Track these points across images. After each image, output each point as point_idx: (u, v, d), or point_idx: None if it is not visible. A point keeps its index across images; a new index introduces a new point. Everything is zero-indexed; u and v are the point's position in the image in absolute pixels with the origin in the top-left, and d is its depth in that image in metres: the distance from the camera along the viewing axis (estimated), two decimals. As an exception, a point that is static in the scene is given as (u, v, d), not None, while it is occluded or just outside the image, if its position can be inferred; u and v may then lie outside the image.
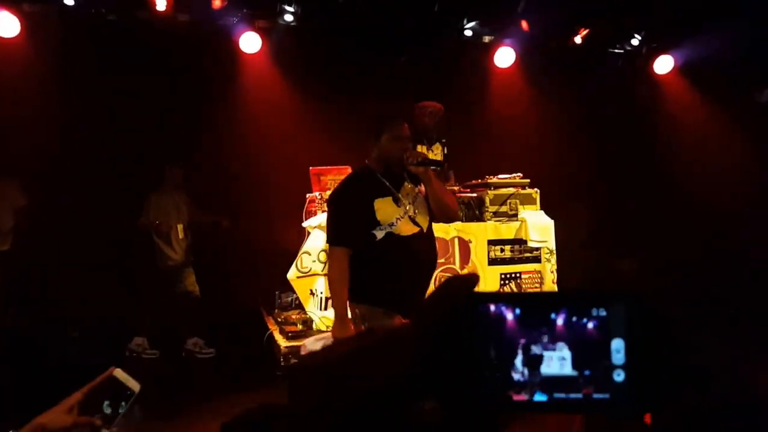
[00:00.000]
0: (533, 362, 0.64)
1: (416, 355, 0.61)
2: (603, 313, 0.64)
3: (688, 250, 6.42)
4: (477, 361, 0.63)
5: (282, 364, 4.49)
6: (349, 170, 5.24)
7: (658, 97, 7.24)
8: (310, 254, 4.87)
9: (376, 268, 3.14)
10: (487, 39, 6.55)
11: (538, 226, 5.44)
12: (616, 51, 6.93)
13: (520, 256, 5.38)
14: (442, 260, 5.13)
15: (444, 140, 5.38)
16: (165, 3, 5.65)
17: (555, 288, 5.31)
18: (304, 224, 4.98)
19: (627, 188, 7.03)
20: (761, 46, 6.27)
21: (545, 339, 0.64)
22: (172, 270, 5.72)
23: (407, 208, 3.18)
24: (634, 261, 6.51)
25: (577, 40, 6.61)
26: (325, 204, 4.77)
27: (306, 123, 6.01)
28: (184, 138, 6.09)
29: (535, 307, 0.64)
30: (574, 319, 0.64)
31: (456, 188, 5.48)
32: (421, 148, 5.45)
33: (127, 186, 5.83)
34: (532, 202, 5.60)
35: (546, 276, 5.35)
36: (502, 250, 5.35)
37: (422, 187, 3.23)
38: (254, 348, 5.30)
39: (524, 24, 6.38)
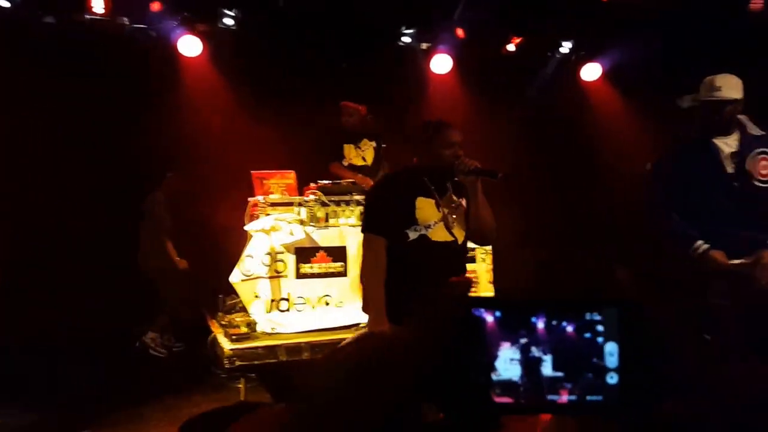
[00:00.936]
0: (531, 364, 0.66)
1: (419, 361, 0.63)
2: (596, 317, 0.67)
3: (612, 246, 6.67)
4: (466, 364, 0.65)
5: (227, 366, 4.43)
6: (293, 174, 5.28)
7: (587, 103, 7.48)
8: (253, 258, 4.83)
9: (399, 271, 2.92)
10: (424, 46, 6.64)
11: (475, 228, 5.55)
12: (548, 58, 7.12)
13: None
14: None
15: (376, 139, 5.60)
16: (103, 6, 5.50)
17: (491, 287, 5.42)
18: (247, 228, 4.94)
19: (558, 190, 7.24)
20: (682, 54, 6.57)
21: (525, 342, 0.66)
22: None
23: (446, 214, 3.00)
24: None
25: (511, 47, 6.77)
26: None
27: (248, 127, 5.95)
28: (123, 142, 5.96)
29: (515, 311, 0.67)
30: (554, 322, 0.67)
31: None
32: (347, 147, 5.55)
33: (67, 191, 5.68)
34: (468, 204, 5.73)
35: (482, 276, 5.43)
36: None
37: (464, 201, 3.06)
38: (198, 351, 5.24)
39: (460, 32, 6.50)
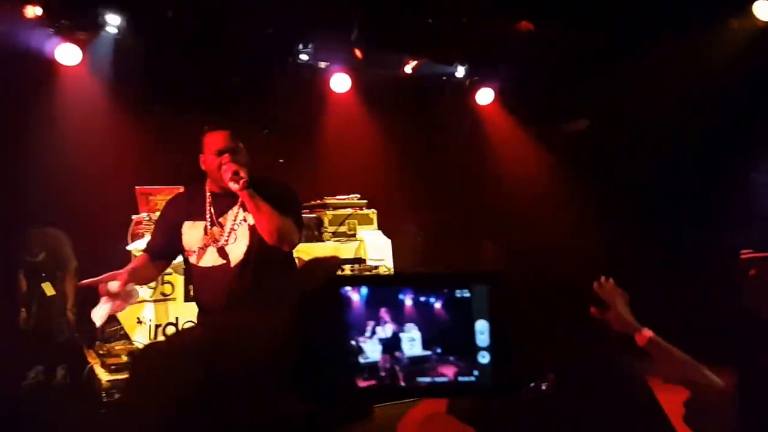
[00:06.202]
0: (399, 344, 0.58)
1: (268, 341, 0.56)
2: (466, 294, 0.60)
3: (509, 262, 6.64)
4: (329, 347, 0.56)
5: (104, 400, 3.89)
6: (182, 190, 4.81)
7: (481, 125, 7.52)
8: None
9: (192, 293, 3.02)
10: (323, 65, 6.41)
11: (376, 246, 5.39)
12: (443, 81, 7.09)
13: (360, 274, 5.25)
14: (282, 281, 4.89)
15: None
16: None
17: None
18: (129, 247, 4.43)
19: (454, 208, 7.18)
20: (566, 81, 6.72)
21: (392, 320, 0.58)
22: None
23: (218, 236, 2.74)
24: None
25: (408, 69, 6.69)
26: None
27: (132, 140, 5.42)
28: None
29: (381, 288, 0.59)
30: (422, 298, 0.59)
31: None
32: None
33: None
34: (369, 222, 5.58)
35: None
36: (343, 270, 5.18)
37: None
38: (74, 385, 4.63)
39: (357, 52, 6.33)
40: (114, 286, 2.53)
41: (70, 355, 4.87)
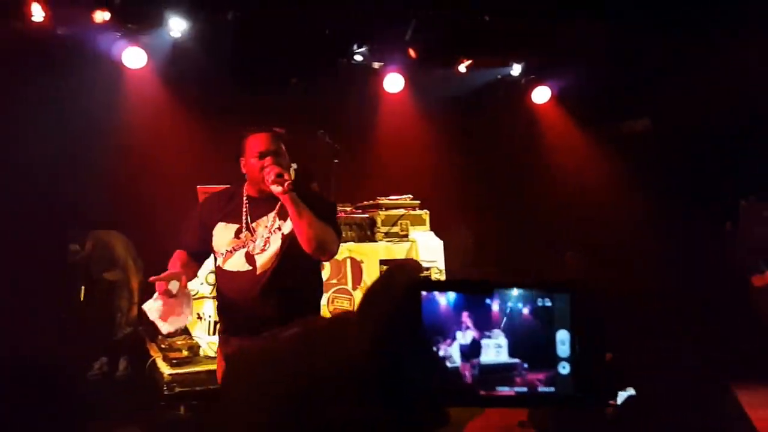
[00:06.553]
0: (472, 350, 0.57)
1: (359, 344, 0.56)
2: (548, 303, 0.59)
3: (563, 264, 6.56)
4: (417, 351, 0.57)
5: (165, 393, 4.06)
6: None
7: (537, 125, 7.45)
8: (197, 276, 4.47)
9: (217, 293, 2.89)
10: (376, 65, 6.48)
11: (429, 247, 5.39)
12: (498, 80, 7.06)
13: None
14: (334, 281, 4.97)
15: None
16: (42, 14, 5.16)
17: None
18: (191, 245, 4.59)
19: (507, 208, 7.14)
20: (626, 80, 6.59)
21: (474, 325, 0.58)
22: None
23: (249, 242, 2.67)
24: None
25: (462, 68, 6.69)
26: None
27: (193, 140, 5.62)
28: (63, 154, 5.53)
29: (468, 293, 0.59)
30: (509, 304, 0.59)
31: (348, 209, 5.36)
32: None
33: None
34: (422, 223, 5.59)
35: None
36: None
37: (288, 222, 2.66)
38: (136, 377, 4.83)
39: (412, 52, 6.37)
40: (175, 286, 2.54)
41: (133, 348, 5.07)
